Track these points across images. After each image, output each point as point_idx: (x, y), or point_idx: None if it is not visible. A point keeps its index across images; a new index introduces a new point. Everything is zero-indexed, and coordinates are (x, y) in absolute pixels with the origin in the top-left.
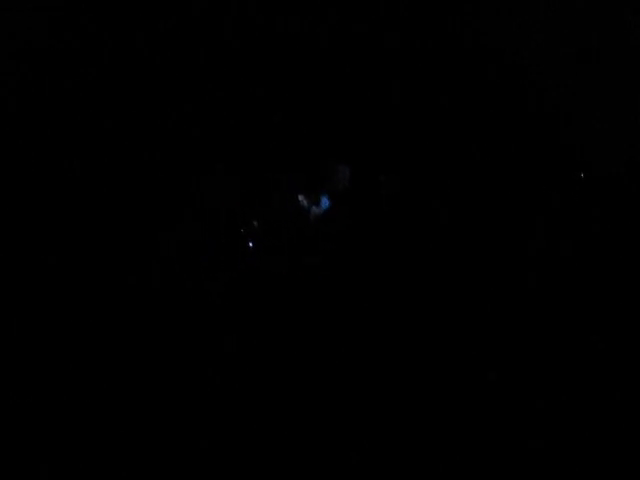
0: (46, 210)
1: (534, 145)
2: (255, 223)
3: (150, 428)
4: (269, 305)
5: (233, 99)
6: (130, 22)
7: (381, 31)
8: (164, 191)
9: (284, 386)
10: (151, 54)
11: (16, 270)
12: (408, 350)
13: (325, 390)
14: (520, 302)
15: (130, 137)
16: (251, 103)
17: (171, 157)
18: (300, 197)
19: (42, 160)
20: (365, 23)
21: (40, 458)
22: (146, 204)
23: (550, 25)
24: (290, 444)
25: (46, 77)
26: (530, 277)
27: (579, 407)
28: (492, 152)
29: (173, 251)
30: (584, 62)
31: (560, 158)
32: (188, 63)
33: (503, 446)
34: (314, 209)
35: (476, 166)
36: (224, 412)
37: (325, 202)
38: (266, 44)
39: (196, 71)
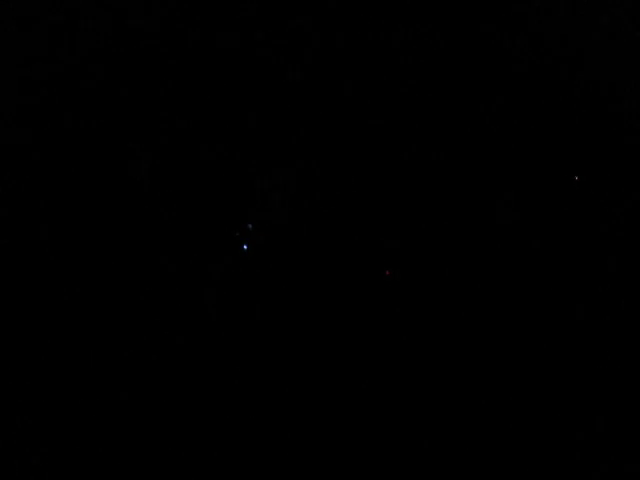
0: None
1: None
2: (247, 223)
3: (149, 427)
4: (263, 305)
5: (230, 99)
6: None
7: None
8: (162, 190)
9: (280, 386)
10: (152, 51)
11: (16, 269)
12: (406, 350)
13: (320, 390)
14: (520, 300)
15: (127, 138)
16: (245, 102)
17: (170, 156)
18: (289, 196)
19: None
20: (356, 23)
21: (40, 457)
22: (144, 204)
23: None
24: (288, 444)
25: None
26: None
27: (578, 407)
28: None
29: (167, 249)
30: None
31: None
32: (186, 63)
33: (502, 446)
34: (303, 208)
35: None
36: (220, 412)
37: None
38: (263, 44)
39: (194, 71)
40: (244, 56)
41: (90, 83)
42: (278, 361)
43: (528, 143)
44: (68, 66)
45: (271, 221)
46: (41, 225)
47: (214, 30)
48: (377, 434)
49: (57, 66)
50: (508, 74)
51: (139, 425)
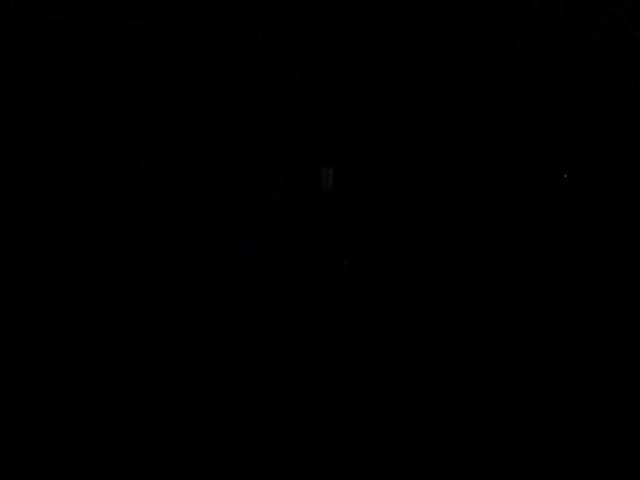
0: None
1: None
2: (242, 224)
3: (149, 428)
4: (263, 305)
5: (230, 99)
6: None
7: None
8: (159, 190)
9: (279, 386)
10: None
11: (16, 269)
12: (405, 351)
13: (319, 390)
14: (519, 299)
15: (127, 138)
16: (245, 102)
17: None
18: (289, 196)
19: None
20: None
21: (40, 457)
22: (144, 204)
23: None
24: (287, 443)
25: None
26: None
27: (578, 407)
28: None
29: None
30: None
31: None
32: (186, 63)
33: (502, 446)
34: (300, 208)
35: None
36: (220, 412)
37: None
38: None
39: (194, 71)
40: (244, 56)
41: (90, 83)
42: (278, 361)
43: (528, 143)
44: (68, 66)
45: (271, 221)
46: (41, 225)
47: (214, 30)
48: (377, 434)
49: (57, 66)
50: (508, 74)
51: (139, 425)
